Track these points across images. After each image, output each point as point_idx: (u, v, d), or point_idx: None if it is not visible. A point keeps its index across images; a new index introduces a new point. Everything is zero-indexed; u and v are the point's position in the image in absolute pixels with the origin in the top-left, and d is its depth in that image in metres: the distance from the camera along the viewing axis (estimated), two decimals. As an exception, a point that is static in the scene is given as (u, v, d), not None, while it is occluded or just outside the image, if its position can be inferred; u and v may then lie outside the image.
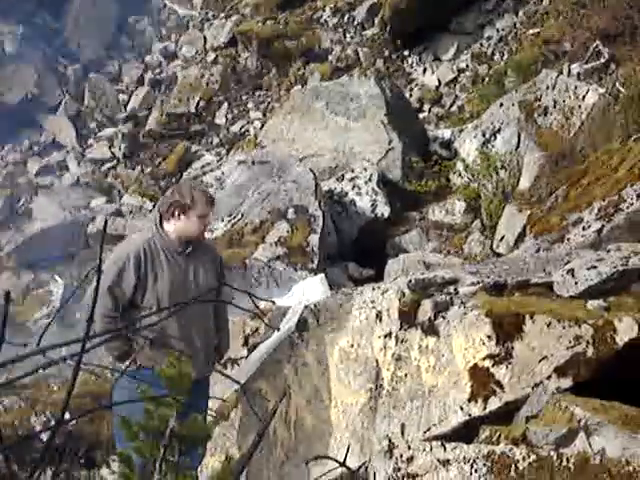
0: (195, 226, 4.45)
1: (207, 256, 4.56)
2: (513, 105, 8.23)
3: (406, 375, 4.17)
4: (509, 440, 3.47)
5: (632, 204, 5.42)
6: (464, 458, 3.34)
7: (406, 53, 11.36)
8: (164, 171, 10.85)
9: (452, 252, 7.63)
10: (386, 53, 11.43)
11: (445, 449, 3.42)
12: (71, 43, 12.63)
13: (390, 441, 3.65)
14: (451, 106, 10.66)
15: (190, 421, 2.50)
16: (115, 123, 11.84)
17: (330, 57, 11.62)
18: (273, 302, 4.78)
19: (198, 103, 11.72)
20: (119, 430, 4.13)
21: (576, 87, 7.97)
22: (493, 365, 3.90)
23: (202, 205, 4.46)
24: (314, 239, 7.55)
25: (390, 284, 4.55)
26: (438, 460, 3.40)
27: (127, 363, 4.32)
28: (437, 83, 10.99)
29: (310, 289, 5.41)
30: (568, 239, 5.56)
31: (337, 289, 5.54)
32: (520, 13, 10.99)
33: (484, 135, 8.34)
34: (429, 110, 10.71)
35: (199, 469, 4.41)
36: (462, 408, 3.92)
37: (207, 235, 7.50)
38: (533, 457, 3.23)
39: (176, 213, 4.42)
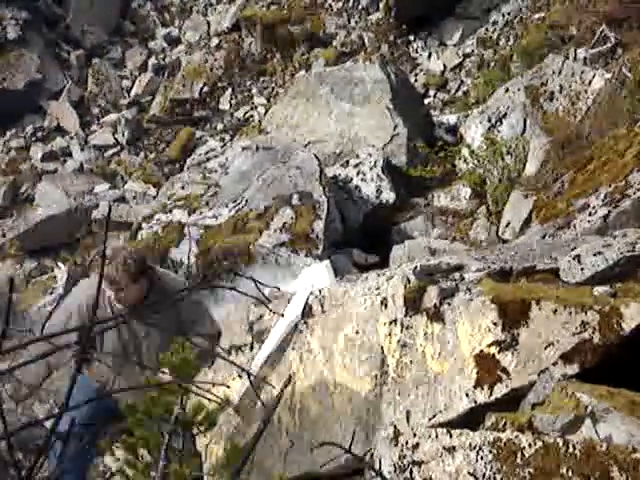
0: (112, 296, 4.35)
1: (163, 300, 4.47)
2: (519, 90, 8.17)
3: (411, 362, 4.15)
4: (515, 427, 3.45)
5: (639, 189, 5.38)
6: (470, 445, 3.33)
7: (411, 38, 11.27)
8: (168, 157, 10.81)
9: (457, 238, 7.59)
10: (391, 38, 11.35)
11: (451, 436, 3.40)
12: (74, 29, 12.55)
13: (395, 428, 3.64)
14: (456, 91, 10.59)
15: (194, 408, 2.50)
16: (118, 109, 11.78)
17: (334, 42, 11.53)
18: (278, 288, 4.76)
19: (202, 89, 11.66)
20: None
21: (582, 72, 7.90)
22: (499, 352, 3.87)
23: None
24: (319, 225, 7.51)
25: (395, 270, 4.52)
26: (444, 447, 3.38)
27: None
28: (442, 68, 10.91)
29: (315, 276, 5.38)
30: (574, 225, 5.52)
31: (342, 275, 5.52)
32: (526, -3, 10.90)
33: (490, 120, 8.29)
34: (434, 95, 10.64)
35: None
36: (468, 395, 3.91)
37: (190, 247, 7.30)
38: (539, 444, 3.21)
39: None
